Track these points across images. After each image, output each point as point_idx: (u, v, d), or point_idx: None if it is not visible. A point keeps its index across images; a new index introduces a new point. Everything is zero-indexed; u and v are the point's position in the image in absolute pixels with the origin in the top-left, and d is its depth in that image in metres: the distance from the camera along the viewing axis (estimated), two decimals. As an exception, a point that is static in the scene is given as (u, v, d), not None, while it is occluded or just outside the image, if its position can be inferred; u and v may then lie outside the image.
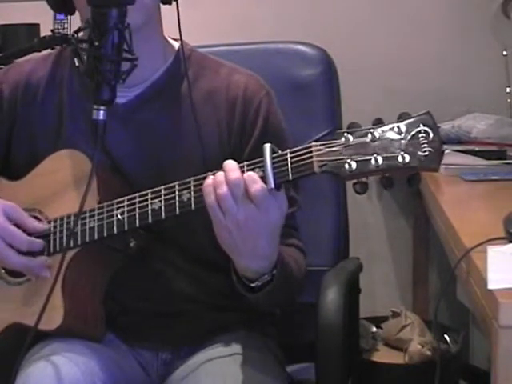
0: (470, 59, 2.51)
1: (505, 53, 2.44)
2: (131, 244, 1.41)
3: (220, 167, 1.29)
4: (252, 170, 1.25)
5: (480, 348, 2.48)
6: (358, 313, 1.75)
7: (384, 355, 2.21)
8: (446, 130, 2.25)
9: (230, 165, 1.25)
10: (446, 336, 2.26)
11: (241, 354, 1.43)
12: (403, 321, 2.23)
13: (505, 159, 2.06)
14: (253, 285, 1.34)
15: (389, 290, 2.62)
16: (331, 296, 1.47)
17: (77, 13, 1.50)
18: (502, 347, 1.12)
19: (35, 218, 1.46)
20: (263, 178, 1.23)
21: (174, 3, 1.48)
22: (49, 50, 1.45)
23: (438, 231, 1.82)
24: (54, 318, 1.37)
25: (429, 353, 2.13)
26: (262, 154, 1.25)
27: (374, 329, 2.27)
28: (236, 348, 1.45)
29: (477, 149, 2.13)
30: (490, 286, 1.16)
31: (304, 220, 1.55)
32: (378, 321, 2.30)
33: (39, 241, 1.42)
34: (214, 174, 1.27)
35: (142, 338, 1.51)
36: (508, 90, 2.43)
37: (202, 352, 1.46)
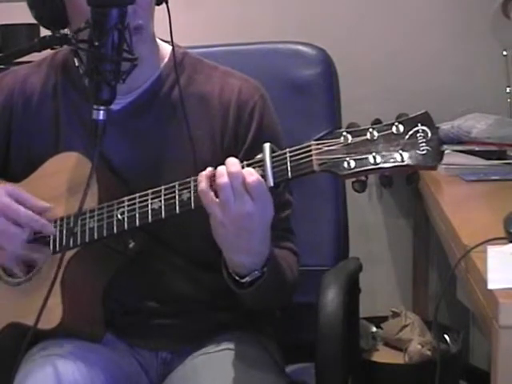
0: (470, 59, 2.51)
1: (505, 53, 2.44)
2: (130, 245, 1.42)
3: None
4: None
5: (480, 348, 2.48)
6: (358, 313, 1.75)
7: (384, 355, 2.22)
8: (446, 130, 2.25)
9: (232, 160, 1.27)
10: (446, 336, 2.26)
11: (240, 352, 1.43)
12: (403, 321, 2.24)
13: (505, 159, 2.06)
14: (243, 280, 1.34)
15: (389, 290, 2.62)
16: (331, 296, 1.47)
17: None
18: (502, 347, 1.12)
19: None
20: (263, 177, 1.25)
21: (170, 4, 1.47)
22: (43, 56, 1.45)
23: (438, 231, 1.82)
24: (52, 317, 1.37)
25: (429, 353, 2.13)
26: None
27: (374, 329, 2.27)
28: (236, 347, 1.45)
29: (477, 149, 2.13)
30: (490, 286, 1.16)
31: (304, 220, 1.55)
32: (378, 321, 2.31)
33: (39, 218, 1.41)
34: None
35: (141, 338, 1.51)
36: (508, 89, 2.43)
37: (202, 351, 1.46)
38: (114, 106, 1.44)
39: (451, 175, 1.92)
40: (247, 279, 1.34)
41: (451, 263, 1.51)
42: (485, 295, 1.19)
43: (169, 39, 1.51)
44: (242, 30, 2.47)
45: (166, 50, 1.54)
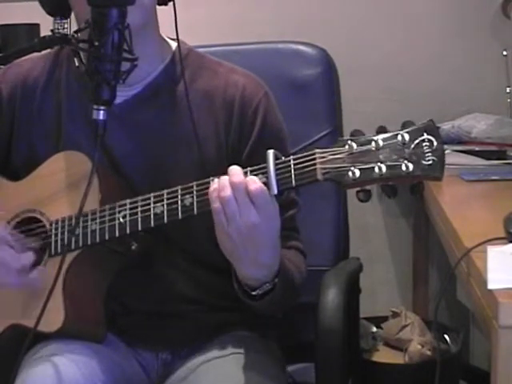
0: (470, 59, 2.50)
1: (505, 53, 2.44)
2: (133, 247, 1.41)
3: (218, 167, 1.28)
4: (255, 176, 1.25)
5: (480, 348, 2.48)
6: (358, 313, 1.75)
7: (384, 355, 2.21)
8: (446, 130, 2.25)
9: (235, 169, 1.25)
10: (446, 336, 2.25)
11: (241, 355, 1.43)
12: (403, 321, 2.23)
13: (505, 159, 2.06)
14: (254, 293, 1.34)
15: (389, 290, 2.62)
16: (331, 296, 1.47)
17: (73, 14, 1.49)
18: (502, 347, 1.12)
19: (36, 219, 1.46)
20: (266, 184, 1.23)
21: (171, 3, 1.48)
22: (47, 50, 1.46)
23: (438, 231, 1.82)
24: (54, 320, 1.37)
25: (429, 353, 2.12)
26: (261, 156, 1.25)
27: (374, 329, 2.27)
28: (236, 349, 1.45)
29: (477, 149, 2.13)
30: (490, 286, 1.16)
31: (304, 220, 1.55)
32: (378, 321, 2.30)
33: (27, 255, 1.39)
34: (218, 178, 1.27)
35: (142, 339, 1.51)
36: (508, 89, 2.43)
37: (202, 353, 1.46)
38: (116, 99, 1.44)
39: (451, 175, 1.92)
40: (258, 292, 1.33)
41: (451, 263, 1.51)
42: (485, 295, 1.19)
43: (172, 36, 1.52)
44: (243, 29, 2.47)
45: (170, 46, 1.54)
